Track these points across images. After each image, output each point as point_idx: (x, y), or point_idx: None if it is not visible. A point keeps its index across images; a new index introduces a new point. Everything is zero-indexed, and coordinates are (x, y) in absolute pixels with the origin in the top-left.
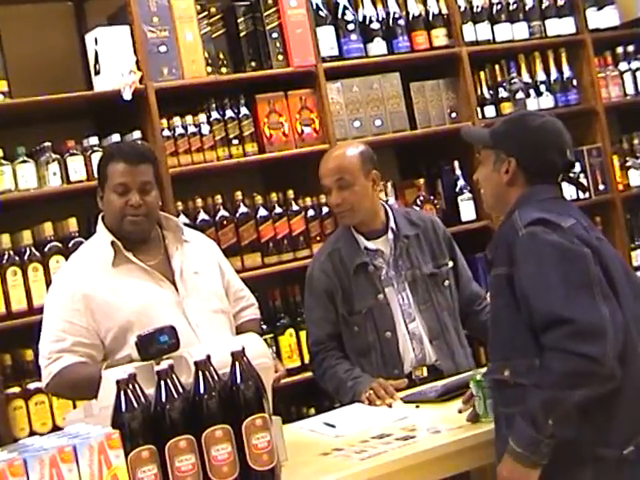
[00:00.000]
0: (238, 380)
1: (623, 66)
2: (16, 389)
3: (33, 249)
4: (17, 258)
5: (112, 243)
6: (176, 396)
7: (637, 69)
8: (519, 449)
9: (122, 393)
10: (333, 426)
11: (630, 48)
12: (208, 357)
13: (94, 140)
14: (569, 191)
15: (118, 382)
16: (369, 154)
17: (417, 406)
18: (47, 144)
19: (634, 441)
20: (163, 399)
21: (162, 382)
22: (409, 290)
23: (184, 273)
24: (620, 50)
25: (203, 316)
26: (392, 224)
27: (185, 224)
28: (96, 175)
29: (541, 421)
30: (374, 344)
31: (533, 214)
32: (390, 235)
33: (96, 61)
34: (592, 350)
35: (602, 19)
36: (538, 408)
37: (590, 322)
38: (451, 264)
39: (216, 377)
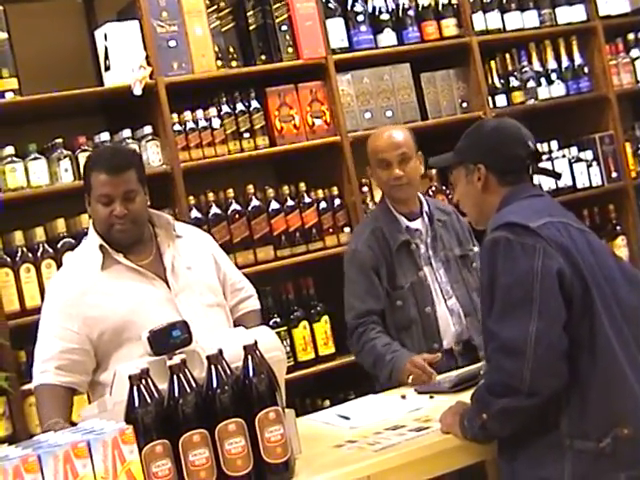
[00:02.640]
0: (251, 373)
1: (635, 53)
2: (31, 385)
3: (46, 245)
4: (30, 255)
5: (100, 247)
6: (189, 390)
7: None
8: (464, 415)
9: (135, 388)
10: (347, 418)
11: None
12: (220, 351)
13: (105, 136)
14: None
15: (131, 377)
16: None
17: (431, 397)
18: (58, 140)
19: (611, 433)
20: (176, 394)
21: (175, 377)
22: (443, 269)
23: (176, 269)
24: (631, 37)
25: (197, 311)
26: (426, 208)
27: (196, 218)
28: (83, 181)
29: (477, 410)
30: (415, 319)
31: (504, 217)
32: (425, 218)
33: (106, 57)
34: (508, 365)
35: (613, 6)
36: (477, 400)
37: (511, 339)
38: (476, 249)
39: (229, 371)
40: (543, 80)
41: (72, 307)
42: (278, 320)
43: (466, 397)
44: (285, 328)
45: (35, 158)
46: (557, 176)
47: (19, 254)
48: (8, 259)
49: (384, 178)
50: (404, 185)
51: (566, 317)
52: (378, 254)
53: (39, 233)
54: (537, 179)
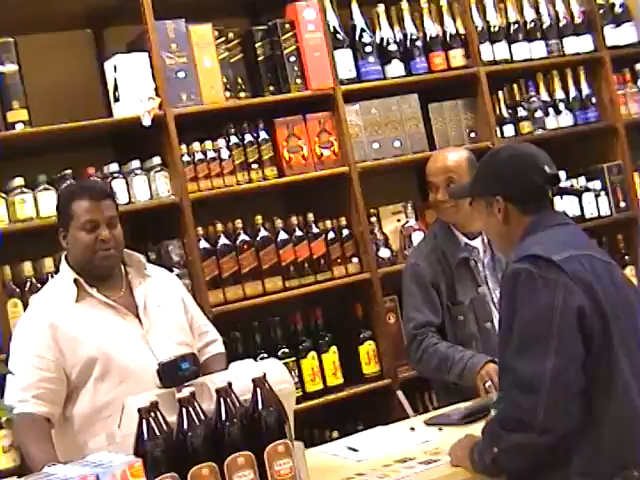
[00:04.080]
0: (260, 406)
1: None
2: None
3: (55, 276)
4: (39, 285)
5: (75, 280)
6: (198, 423)
7: None
8: (475, 448)
9: (144, 421)
10: (356, 450)
11: None
12: (229, 384)
13: (114, 167)
14: (590, 209)
15: (140, 410)
16: (474, 160)
17: (440, 429)
18: (68, 171)
19: (621, 474)
20: (185, 426)
21: (184, 409)
22: (499, 289)
23: (148, 306)
24: (639, 67)
25: (169, 349)
26: None
27: (205, 249)
28: (57, 215)
29: (488, 444)
30: (475, 334)
31: (527, 249)
32: (485, 237)
33: (115, 88)
34: (523, 401)
35: (620, 36)
36: (488, 433)
37: (527, 375)
38: None
39: (238, 403)
40: (551, 110)
41: (47, 337)
42: (286, 350)
43: (475, 430)
44: (293, 359)
45: (44, 189)
46: (578, 194)
47: (28, 285)
48: (17, 289)
49: (432, 200)
50: (450, 208)
51: (584, 355)
52: (438, 270)
53: (48, 264)
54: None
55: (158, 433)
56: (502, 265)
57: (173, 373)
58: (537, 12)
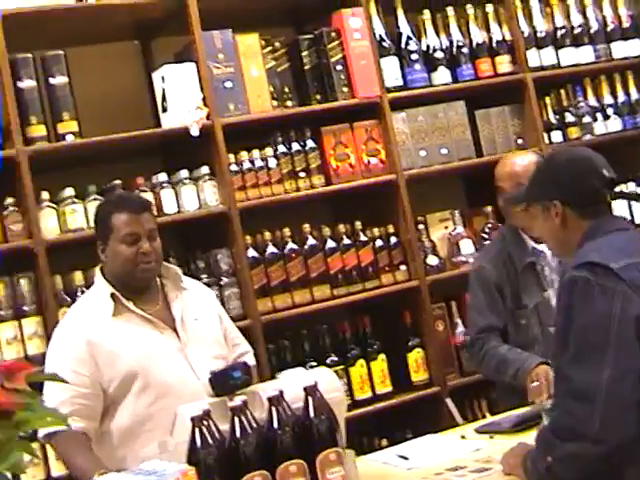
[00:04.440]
0: (311, 414)
1: None
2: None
3: (89, 289)
4: None
5: (112, 295)
6: (250, 431)
7: None
8: (528, 457)
9: (197, 429)
10: (406, 458)
11: None
12: (281, 392)
13: (163, 177)
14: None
15: (193, 419)
16: None
17: (491, 437)
18: (117, 182)
19: None
20: (237, 435)
21: (236, 418)
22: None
23: (185, 320)
24: None
25: (206, 363)
26: None
27: (253, 258)
28: (95, 228)
29: (542, 453)
30: (537, 338)
31: (585, 255)
32: None
33: (163, 98)
34: (578, 410)
35: None
36: (542, 442)
37: (583, 384)
38: None
39: (289, 412)
40: (599, 115)
41: (83, 352)
42: (335, 359)
43: (527, 437)
44: (342, 367)
45: (94, 199)
46: (638, 198)
47: (79, 294)
48: (68, 299)
49: (500, 204)
50: (519, 212)
51: None
52: (503, 273)
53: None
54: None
55: (211, 441)
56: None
57: (225, 382)
58: (584, 17)
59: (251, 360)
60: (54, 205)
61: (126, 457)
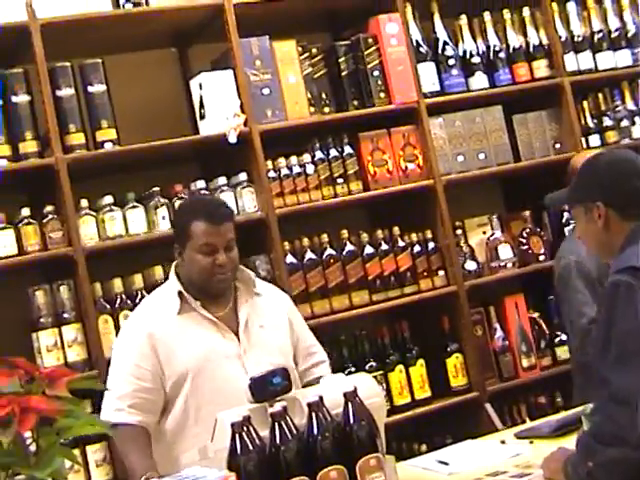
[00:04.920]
0: (351, 420)
1: None
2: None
3: (144, 292)
4: (129, 302)
5: (179, 293)
6: (290, 437)
7: None
8: (569, 462)
9: (237, 435)
10: (446, 464)
11: None
12: (321, 398)
13: (201, 184)
14: None
15: (233, 425)
16: None
17: (531, 442)
18: (155, 189)
19: None
20: (277, 441)
21: (276, 424)
22: None
23: (249, 326)
24: None
25: (263, 370)
26: None
27: (291, 264)
28: (173, 230)
29: (583, 458)
30: None
31: (628, 260)
32: None
33: (201, 106)
34: (619, 415)
35: None
36: (583, 447)
37: (625, 389)
38: None
39: (329, 418)
40: (637, 119)
41: (146, 346)
42: (374, 364)
43: (566, 442)
44: (381, 372)
45: (133, 207)
46: None
47: (118, 301)
48: (108, 306)
49: None
50: None
51: None
52: (600, 265)
53: (137, 280)
54: None
55: (251, 447)
56: None
57: (265, 388)
58: (622, 20)
59: (325, 370)
60: (93, 213)
61: (178, 457)
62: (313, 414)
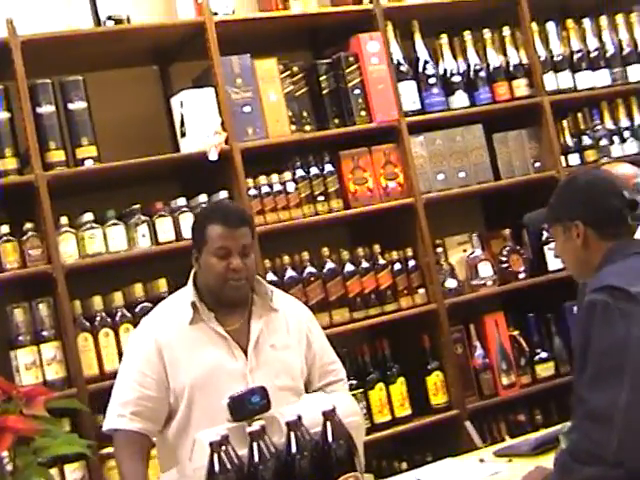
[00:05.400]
0: (330, 439)
1: None
2: (110, 449)
3: (124, 310)
4: (109, 319)
5: (192, 304)
6: (269, 457)
7: None
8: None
9: (215, 455)
10: None
11: None
12: (299, 417)
13: (182, 201)
14: None
15: (211, 444)
16: None
17: (509, 460)
18: (136, 206)
19: None
20: (256, 460)
21: (254, 443)
22: None
23: (259, 344)
24: None
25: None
26: None
27: (272, 281)
28: (191, 236)
29: (560, 477)
30: None
31: (605, 279)
32: None
33: (182, 123)
34: (595, 434)
35: None
36: (560, 465)
37: (601, 407)
38: None
39: (308, 437)
40: (616, 138)
41: (153, 354)
42: (354, 382)
43: (545, 460)
44: (361, 390)
45: (113, 224)
46: None
47: (98, 319)
48: (87, 324)
49: None
50: None
51: None
52: None
53: (117, 298)
54: None
55: (229, 467)
56: None
57: (244, 407)
58: (600, 40)
59: (344, 389)
60: (73, 230)
61: (180, 464)
62: (292, 433)
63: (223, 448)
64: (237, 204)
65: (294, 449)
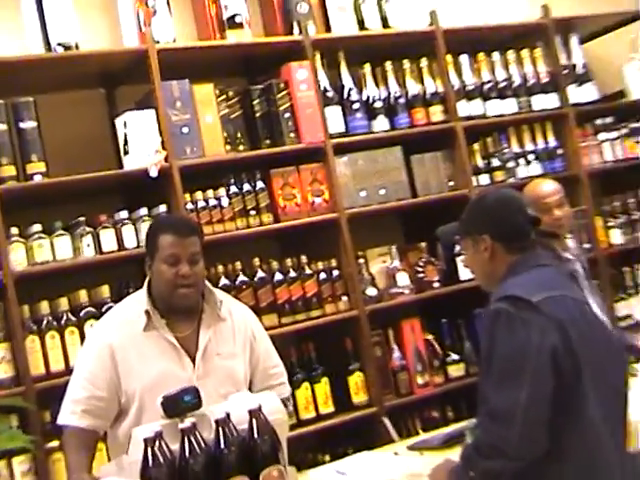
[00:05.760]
0: (255, 435)
1: (602, 136)
2: (55, 443)
3: (69, 314)
4: (55, 323)
5: (146, 312)
6: (199, 451)
7: (614, 138)
8: (453, 472)
9: (149, 449)
10: (344, 474)
11: (608, 120)
12: (228, 414)
13: (124, 214)
14: None
15: (145, 440)
16: None
17: (421, 453)
18: (81, 219)
19: None
20: (187, 454)
21: (186, 438)
22: (593, 294)
23: (207, 353)
24: (599, 122)
25: (211, 399)
26: (571, 244)
27: None
28: (145, 245)
29: (465, 468)
30: None
31: (508, 289)
32: (572, 252)
33: (125, 142)
34: (497, 429)
35: (582, 94)
36: (466, 458)
37: (502, 406)
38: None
39: (235, 433)
40: (521, 161)
41: (107, 357)
42: None
43: (453, 453)
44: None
45: (60, 235)
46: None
47: (45, 322)
48: (35, 327)
49: (547, 220)
50: (564, 224)
51: (555, 390)
52: None
53: (63, 303)
54: None
55: (162, 460)
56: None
57: (176, 405)
58: (508, 72)
59: (283, 392)
60: (22, 240)
61: None
62: (220, 429)
63: (157, 443)
64: (186, 216)
65: (222, 444)
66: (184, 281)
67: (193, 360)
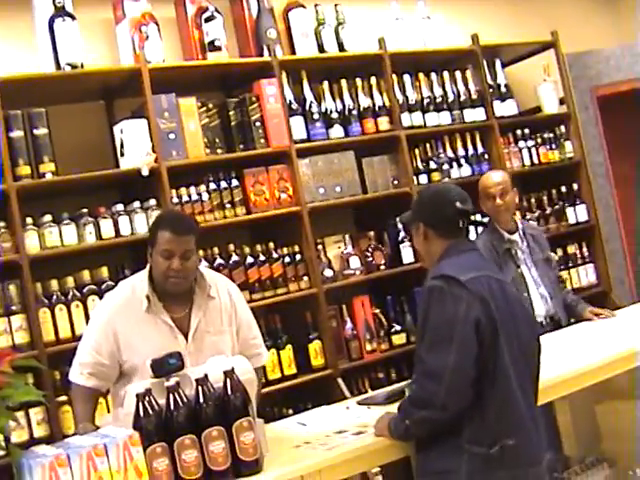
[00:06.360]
0: (229, 392)
1: (521, 144)
2: (64, 397)
3: (75, 291)
4: (63, 298)
5: (147, 297)
6: (182, 405)
7: (531, 146)
8: (392, 421)
9: (140, 403)
10: (304, 424)
11: (526, 131)
12: (206, 375)
13: (120, 207)
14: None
15: (137, 395)
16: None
17: (369, 407)
18: (84, 210)
19: (500, 443)
20: (172, 407)
21: (171, 395)
22: (534, 268)
23: (198, 332)
24: (519, 132)
25: (200, 368)
26: (520, 226)
27: None
28: (148, 236)
29: (402, 417)
30: None
31: (441, 269)
32: (520, 232)
33: (122, 146)
34: (429, 386)
35: (505, 109)
36: (402, 409)
37: (434, 366)
38: (553, 255)
39: (212, 390)
40: (454, 164)
41: (110, 331)
42: None
43: (393, 407)
44: None
45: (67, 224)
46: (484, 225)
47: (54, 297)
48: (46, 301)
49: (489, 207)
50: (502, 211)
51: (477, 353)
52: (490, 256)
53: (69, 281)
54: None
55: (151, 412)
56: (536, 251)
57: (163, 367)
58: (443, 89)
59: (258, 362)
60: (36, 228)
61: None
62: (200, 387)
63: (147, 398)
64: (186, 214)
65: (201, 400)
66: (175, 274)
67: (186, 337)
